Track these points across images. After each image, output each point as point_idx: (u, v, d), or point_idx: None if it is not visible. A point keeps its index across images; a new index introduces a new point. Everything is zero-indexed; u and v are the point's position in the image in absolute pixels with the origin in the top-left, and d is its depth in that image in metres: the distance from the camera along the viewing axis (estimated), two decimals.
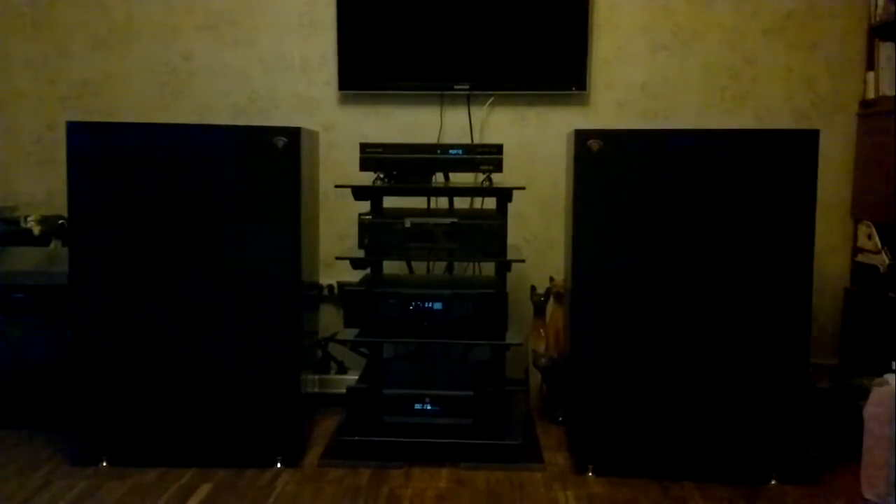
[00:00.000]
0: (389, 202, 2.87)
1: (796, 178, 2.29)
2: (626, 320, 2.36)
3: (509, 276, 2.76)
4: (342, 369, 3.21)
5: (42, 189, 3.31)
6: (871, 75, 3.04)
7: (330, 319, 3.20)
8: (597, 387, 2.38)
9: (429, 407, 2.50)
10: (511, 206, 2.73)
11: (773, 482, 2.35)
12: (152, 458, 2.43)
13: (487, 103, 3.20)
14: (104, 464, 2.43)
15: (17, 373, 2.72)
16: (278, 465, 2.44)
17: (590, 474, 2.41)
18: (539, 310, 3.00)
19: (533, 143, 3.22)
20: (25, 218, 2.93)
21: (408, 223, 2.55)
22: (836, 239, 3.17)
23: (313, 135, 2.71)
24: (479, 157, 2.64)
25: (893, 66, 2.95)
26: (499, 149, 2.64)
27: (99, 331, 2.39)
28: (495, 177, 2.68)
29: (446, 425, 2.49)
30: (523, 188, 2.71)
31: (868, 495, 2.24)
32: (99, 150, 2.36)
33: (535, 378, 2.98)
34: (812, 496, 2.29)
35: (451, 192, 2.93)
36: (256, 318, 2.40)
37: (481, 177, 2.67)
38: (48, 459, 2.49)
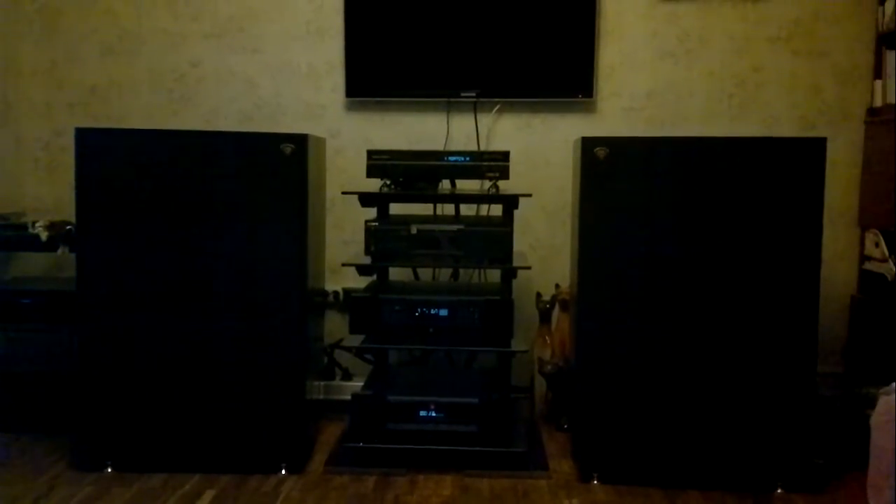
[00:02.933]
0: (395, 209, 2.88)
1: (803, 186, 2.28)
2: (632, 327, 2.35)
3: (515, 282, 2.76)
4: (347, 376, 3.21)
5: (50, 195, 3.32)
6: (878, 83, 3.03)
7: (335, 326, 3.21)
8: (602, 394, 2.38)
9: (434, 414, 2.50)
10: (517, 213, 2.73)
11: (778, 490, 2.34)
12: (157, 463, 2.43)
13: (494, 110, 3.21)
14: (109, 469, 2.43)
15: (23, 378, 2.73)
16: (283, 471, 2.44)
17: (595, 482, 2.40)
18: (545, 317, 3.00)
19: (539, 150, 3.23)
20: (33, 224, 2.94)
21: (414, 230, 2.55)
22: (842, 247, 3.16)
23: (320, 141, 2.72)
24: (485, 163, 2.64)
25: None
26: (505, 156, 2.64)
27: (105, 336, 2.40)
28: (501, 184, 2.68)
29: (451, 432, 2.49)
30: (529, 195, 2.71)
31: None
32: (107, 156, 2.37)
33: (541, 385, 2.98)
34: None
35: (458, 198, 2.94)
36: (262, 324, 2.40)
37: (487, 184, 2.68)
38: (53, 464, 2.49)
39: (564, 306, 2.95)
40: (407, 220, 2.64)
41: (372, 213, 2.82)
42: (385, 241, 2.56)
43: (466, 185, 2.88)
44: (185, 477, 2.40)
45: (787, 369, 2.32)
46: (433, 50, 3.15)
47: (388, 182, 2.70)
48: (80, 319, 2.40)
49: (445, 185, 2.84)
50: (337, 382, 3.17)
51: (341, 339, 3.08)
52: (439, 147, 3.20)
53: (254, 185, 2.38)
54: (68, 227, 2.91)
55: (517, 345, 2.57)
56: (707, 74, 3.16)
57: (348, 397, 2.56)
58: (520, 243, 3.09)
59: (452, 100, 3.18)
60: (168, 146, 2.38)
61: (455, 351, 3.10)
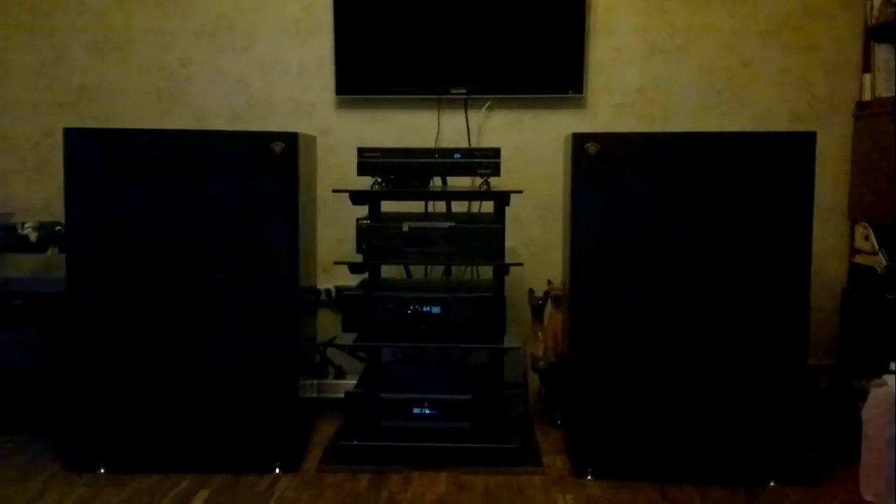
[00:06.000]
0: (387, 206, 2.87)
1: (793, 180, 2.29)
2: (624, 323, 2.35)
3: (507, 279, 2.76)
4: (340, 374, 3.20)
5: (39, 196, 3.31)
6: (867, 77, 3.04)
7: (328, 324, 3.20)
8: (595, 390, 2.38)
9: (427, 411, 2.50)
10: (509, 210, 2.73)
11: (771, 484, 2.35)
12: (150, 464, 2.43)
13: (485, 107, 3.21)
14: (102, 470, 2.43)
15: (14, 379, 2.72)
16: (277, 470, 2.44)
17: (589, 477, 2.41)
18: (537, 313, 3.00)
19: (530, 147, 3.23)
20: (22, 224, 2.93)
21: (406, 227, 2.55)
22: (833, 240, 3.17)
23: (311, 139, 2.71)
24: (476, 160, 2.64)
25: (890, 67, 2.96)
26: (496, 152, 2.64)
27: (96, 337, 2.39)
28: (493, 180, 2.68)
29: (445, 429, 2.49)
30: (521, 192, 2.71)
31: (867, 496, 2.24)
32: (96, 156, 2.35)
33: (534, 381, 2.98)
34: (811, 498, 2.29)
35: (449, 195, 2.94)
36: (254, 323, 2.39)
37: (479, 180, 2.67)
38: (45, 466, 2.48)
39: (557, 302, 2.95)
40: (398, 217, 2.64)
41: (363, 210, 2.81)
42: (377, 239, 2.56)
43: (458, 183, 2.88)
44: (178, 477, 2.40)
45: (778, 362, 2.33)
46: (423, 47, 3.14)
47: (380, 180, 2.70)
48: (71, 320, 2.39)
49: (437, 182, 2.84)
50: (330, 381, 3.16)
51: (334, 338, 3.08)
52: (430, 144, 3.19)
53: (244, 184, 2.37)
54: (58, 228, 2.90)
55: (510, 341, 2.57)
56: (697, 69, 3.17)
57: (341, 395, 2.56)
58: (511, 240, 3.09)
59: (443, 97, 3.18)
60: (157, 146, 2.37)
61: (448, 348, 3.10)
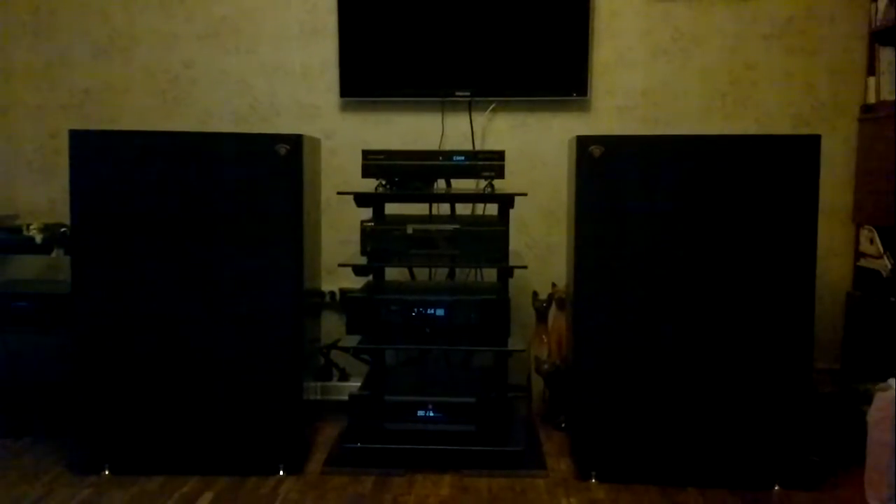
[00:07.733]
0: (391, 209, 2.88)
1: (798, 183, 2.29)
2: (628, 326, 2.35)
3: (511, 282, 2.76)
4: (344, 376, 3.20)
5: (44, 197, 3.31)
6: (871, 80, 3.04)
7: (332, 326, 3.20)
8: (599, 393, 2.38)
9: (431, 414, 2.50)
10: (513, 212, 2.73)
11: (776, 488, 2.35)
12: (155, 466, 2.43)
13: (489, 110, 3.21)
14: (106, 472, 2.43)
15: (19, 381, 2.72)
16: (281, 472, 2.44)
17: (592, 480, 2.41)
18: (541, 316, 3.00)
19: (534, 150, 3.23)
20: (27, 226, 2.92)
21: (410, 230, 2.55)
22: (837, 244, 3.17)
23: (315, 142, 2.72)
24: (480, 163, 2.64)
25: (894, 70, 2.95)
26: (500, 155, 2.64)
27: (101, 339, 2.39)
28: (497, 183, 2.68)
29: (449, 432, 2.49)
30: (525, 194, 2.71)
31: (872, 500, 2.23)
32: (101, 158, 2.36)
33: (538, 384, 2.98)
34: (815, 502, 2.28)
35: (453, 198, 2.94)
36: (259, 326, 2.39)
37: (483, 183, 2.67)
38: (50, 468, 2.48)
39: (561, 305, 2.95)
40: (403, 220, 2.64)
41: (368, 213, 2.81)
42: (381, 242, 2.56)
43: (462, 185, 2.88)
44: (182, 479, 2.40)
45: (783, 366, 2.33)
46: (427, 49, 3.15)
47: (384, 182, 2.70)
48: (76, 322, 2.39)
49: (441, 184, 2.84)
50: (334, 383, 3.17)
51: (338, 340, 3.08)
52: (434, 147, 3.19)
53: (249, 186, 2.37)
54: (63, 230, 2.90)
55: (514, 344, 2.57)
56: (701, 72, 3.17)
57: (346, 398, 2.56)
58: (516, 242, 3.09)
59: (447, 99, 3.18)
60: (162, 147, 2.37)
61: (452, 350, 3.10)
